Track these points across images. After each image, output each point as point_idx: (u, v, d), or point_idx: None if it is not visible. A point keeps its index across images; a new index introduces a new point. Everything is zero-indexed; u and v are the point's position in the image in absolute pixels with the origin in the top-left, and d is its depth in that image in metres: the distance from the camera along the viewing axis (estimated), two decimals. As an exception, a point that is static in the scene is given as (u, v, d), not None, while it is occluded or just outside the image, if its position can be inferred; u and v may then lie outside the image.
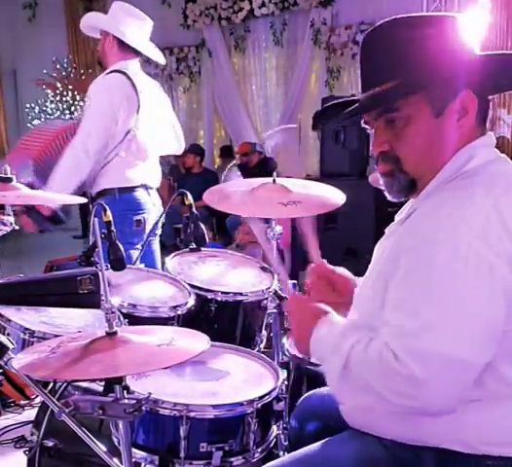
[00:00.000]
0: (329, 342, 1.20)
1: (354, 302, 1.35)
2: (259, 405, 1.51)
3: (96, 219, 1.54)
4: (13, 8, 8.42)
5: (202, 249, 2.29)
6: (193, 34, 7.74)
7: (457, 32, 1.18)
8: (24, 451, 1.81)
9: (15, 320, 1.63)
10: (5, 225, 2.16)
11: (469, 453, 1.14)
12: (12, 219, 2.18)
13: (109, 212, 1.89)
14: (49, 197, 2.36)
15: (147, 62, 8.42)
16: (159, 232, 3.01)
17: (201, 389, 1.57)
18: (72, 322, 1.72)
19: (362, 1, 6.50)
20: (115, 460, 1.41)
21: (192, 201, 2.25)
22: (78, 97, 7.66)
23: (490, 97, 1.25)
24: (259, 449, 1.55)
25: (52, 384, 1.68)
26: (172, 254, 2.25)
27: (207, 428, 1.48)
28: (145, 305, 1.88)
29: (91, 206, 2.79)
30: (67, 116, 7.62)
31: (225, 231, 6.22)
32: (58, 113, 7.84)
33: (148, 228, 2.92)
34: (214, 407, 1.48)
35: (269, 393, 1.56)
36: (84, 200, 2.52)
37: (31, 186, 2.28)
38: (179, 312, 1.89)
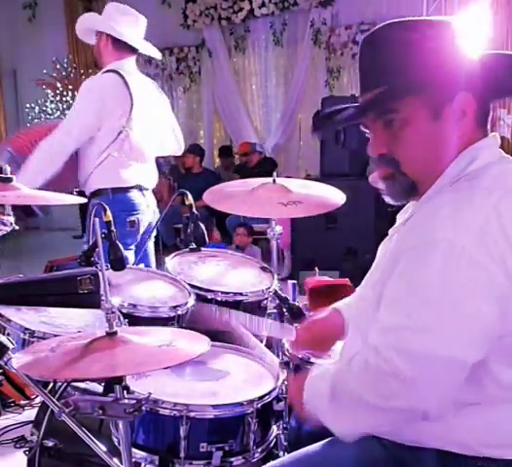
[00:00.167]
0: (315, 381, 1.24)
1: (357, 305, 1.35)
2: (259, 405, 1.52)
3: (97, 219, 1.53)
4: (13, 8, 8.42)
5: (203, 249, 2.29)
6: (193, 34, 7.75)
7: (453, 36, 1.18)
8: (24, 451, 1.81)
9: (15, 320, 1.63)
10: (5, 225, 2.16)
11: (468, 455, 1.14)
12: (12, 219, 2.18)
13: (109, 212, 1.89)
14: (49, 197, 2.36)
15: (148, 62, 8.44)
16: (153, 233, 3.01)
17: (201, 389, 1.57)
18: (72, 322, 1.72)
19: (362, 1, 6.51)
20: (115, 460, 1.41)
21: (192, 201, 2.25)
22: (78, 97, 7.65)
23: (495, 101, 1.25)
24: (259, 449, 1.56)
25: (52, 384, 1.68)
26: (172, 254, 2.25)
27: (207, 428, 1.48)
28: (145, 305, 1.88)
29: (89, 206, 2.81)
30: (67, 116, 7.61)
31: (225, 231, 6.22)
32: (58, 113, 7.84)
33: (142, 229, 2.92)
34: (214, 407, 1.48)
35: (269, 393, 1.56)
36: (84, 200, 2.53)
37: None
38: (179, 312, 1.89)
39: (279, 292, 2.03)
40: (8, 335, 1.58)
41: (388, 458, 1.22)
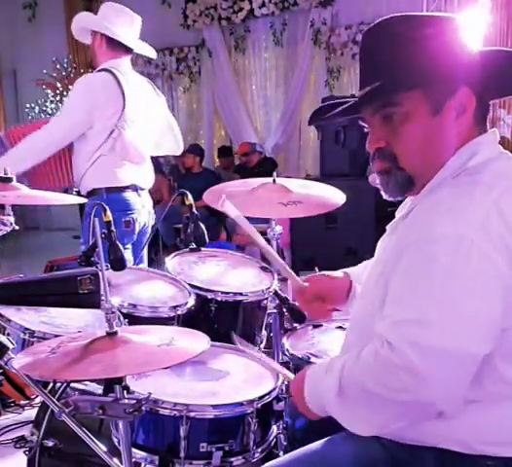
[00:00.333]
0: (319, 375, 1.23)
1: (358, 298, 1.35)
2: (259, 405, 1.51)
3: (97, 219, 1.54)
4: (13, 8, 8.43)
5: (203, 249, 2.29)
6: (193, 34, 7.75)
7: (455, 31, 1.18)
8: (24, 451, 1.81)
9: (15, 320, 1.63)
10: (5, 225, 2.16)
11: (468, 454, 1.14)
12: (12, 219, 2.18)
13: (109, 212, 1.89)
14: (49, 197, 2.36)
15: (147, 62, 8.43)
16: (149, 235, 3.01)
17: (201, 389, 1.57)
18: (72, 322, 1.72)
19: (362, 1, 6.51)
20: (115, 460, 1.42)
21: (192, 201, 2.25)
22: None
23: (494, 101, 1.25)
24: (259, 449, 1.55)
25: (52, 384, 1.68)
26: (172, 254, 2.25)
27: (207, 428, 1.48)
28: (145, 305, 1.88)
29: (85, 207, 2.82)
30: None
31: (225, 231, 6.23)
32: (58, 113, 7.83)
33: (138, 229, 2.91)
34: (214, 407, 1.48)
35: (269, 393, 1.56)
36: (84, 200, 2.53)
37: None
38: (179, 312, 1.89)
39: (279, 292, 2.03)
40: (8, 335, 1.58)
41: (387, 457, 1.22)
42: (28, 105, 8.09)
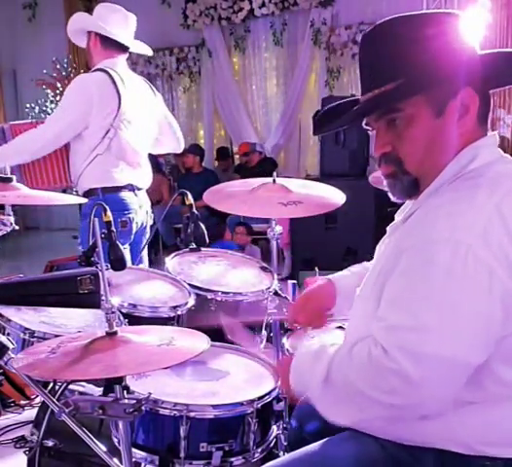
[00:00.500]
0: (307, 358, 1.23)
1: (355, 302, 1.35)
2: (259, 405, 1.52)
3: (96, 219, 1.53)
4: (13, 8, 8.43)
5: (203, 249, 2.29)
6: (193, 34, 7.74)
7: (457, 30, 1.17)
8: (24, 451, 1.81)
9: (15, 320, 1.63)
10: (5, 225, 2.16)
11: (467, 454, 1.14)
12: (12, 219, 2.18)
13: (109, 212, 1.89)
14: (49, 197, 2.36)
15: (148, 62, 8.41)
16: (147, 235, 3.00)
17: (202, 389, 1.57)
18: (72, 322, 1.72)
19: (362, 1, 6.52)
20: (115, 460, 1.41)
21: (192, 201, 2.25)
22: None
23: (491, 92, 1.24)
24: (259, 449, 1.56)
25: (52, 384, 1.68)
26: (172, 254, 2.25)
27: (207, 428, 1.48)
28: (145, 305, 1.88)
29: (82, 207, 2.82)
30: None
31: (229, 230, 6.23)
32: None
33: (135, 228, 2.91)
34: (214, 407, 1.48)
35: (269, 393, 1.56)
36: (84, 200, 2.53)
37: None
38: (179, 312, 1.89)
39: (279, 292, 2.03)
40: (8, 335, 1.58)
41: (387, 458, 1.22)
42: (28, 105, 8.07)
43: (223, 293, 1.99)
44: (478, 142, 1.19)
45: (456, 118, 1.17)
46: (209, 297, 1.98)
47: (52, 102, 7.87)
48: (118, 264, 1.87)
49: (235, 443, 1.49)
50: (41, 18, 8.44)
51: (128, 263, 2.57)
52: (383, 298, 1.13)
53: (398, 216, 1.35)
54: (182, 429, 1.44)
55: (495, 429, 1.13)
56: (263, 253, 5.26)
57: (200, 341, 1.36)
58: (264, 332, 2.12)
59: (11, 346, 1.46)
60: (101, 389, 1.47)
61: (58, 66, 7.93)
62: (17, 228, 2.19)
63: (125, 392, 1.29)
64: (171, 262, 2.18)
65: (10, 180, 2.08)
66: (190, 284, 2.02)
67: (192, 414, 1.45)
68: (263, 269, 2.22)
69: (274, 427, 1.64)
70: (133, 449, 1.44)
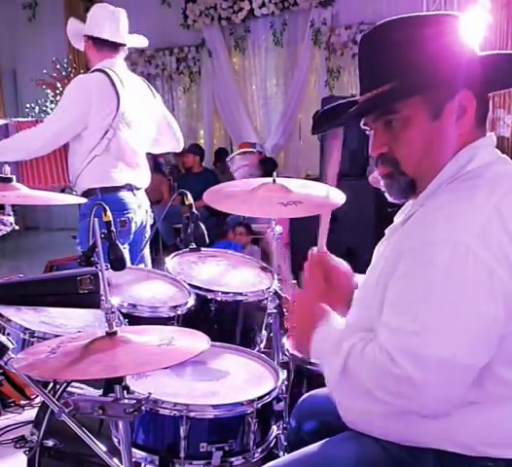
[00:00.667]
0: (328, 345, 1.21)
1: (354, 303, 1.35)
2: (259, 405, 1.52)
3: (96, 219, 1.54)
4: (13, 8, 8.42)
5: (203, 249, 2.29)
6: (193, 34, 7.74)
7: (455, 32, 1.17)
8: (24, 451, 1.81)
9: (15, 320, 1.63)
10: (5, 225, 2.16)
11: (468, 455, 1.14)
12: (12, 219, 2.18)
13: (109, 212, 1.89)
14: (49, 197, 2.36)
15: (148, 62, 8.39)
16: (148, 234, 3.00)
17: (202, 389, 1.57)
18: (72, 322, 1.72)
19: (362, 1, 6.52)
20: (115, 460, 1.41)
21: (192, 201, 2.25)
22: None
23: (489, 95, 1.24)
24: (259, 449, 1.56)
25: (52, 384, 1.68)
26: (172, 254, 2.25)
27: (207, 428, 1.48)
28: (145, 305, 1.88)
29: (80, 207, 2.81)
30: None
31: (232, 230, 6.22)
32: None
33: (134, 228, 2.91)
34: (214, 407, 1.48)
35: (269, 393, 1.56)
36: (84, 200, 2.53)
37: None
38: (179, 312, 1.89)
39: (279, 292, 2.03)
40: (8, 335, 1.58)
41: (387, 459, 1.21)
42: (28, 105, 8.07)
43: (223, 293, 1.99)
44: (476, 142, 1.19)
45: (453, 119, 1.17)
46: (209, 297, 1.98)
47: (52, 102, 7.87)
48: (118, 264, 1.87)
49: (235, 443, 1.49)
50: (41, 19, 8.44)
51: (128, 262, 2.58)
52: (385, 301, 1.13)
53: (397, 218, 1.34)
54: (182, 429, 1.44)
55: (497, 430, 1.13)
56: (263, 253, 5.26)
57: (199, 341, 1.36)
58: (264, 332, 2.12)
59: (11, 346, 1.46)
60: (99, 391, 1.47)
61: (58, 66, 7.93)
62: (16, 228, 2.19)
63: (125, 392, 1.29)
64: (171, 262, 2.18)
65: (10, 180, 2.08)
66: (190, 284, 2.02)
67: (192, 414, 1.45)
68: (263, 269, 2.23)
69: (274, 427, 1.64)
70: (133, 449, 1.44)
